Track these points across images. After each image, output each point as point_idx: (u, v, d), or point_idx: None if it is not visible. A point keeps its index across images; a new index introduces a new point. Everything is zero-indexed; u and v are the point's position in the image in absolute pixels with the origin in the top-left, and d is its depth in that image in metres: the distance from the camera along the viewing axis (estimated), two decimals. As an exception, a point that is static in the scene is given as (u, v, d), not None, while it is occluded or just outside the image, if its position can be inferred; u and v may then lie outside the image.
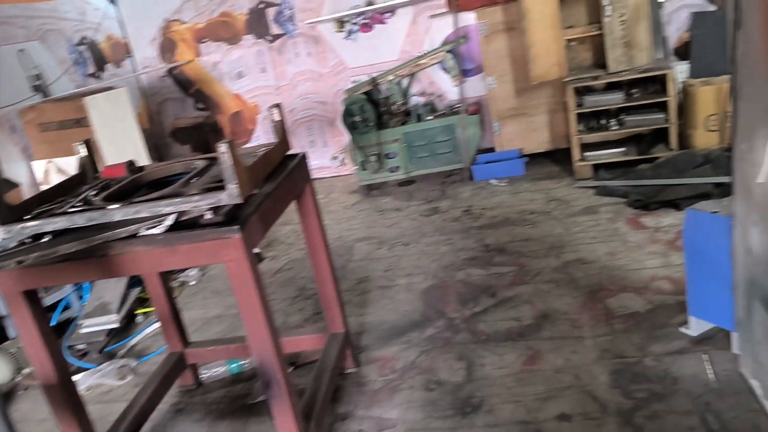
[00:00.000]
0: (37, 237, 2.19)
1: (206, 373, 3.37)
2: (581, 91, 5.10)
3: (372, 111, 5.64)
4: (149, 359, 3.75)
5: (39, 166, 4.96)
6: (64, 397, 2.35)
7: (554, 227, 4.41)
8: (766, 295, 2.22)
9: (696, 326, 2.86)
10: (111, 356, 3.84)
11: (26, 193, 4.87)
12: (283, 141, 2.71)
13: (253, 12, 6.37)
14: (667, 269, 3.50)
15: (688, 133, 5.05)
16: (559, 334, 3.16)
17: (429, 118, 5.79)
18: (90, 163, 2.69)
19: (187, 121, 6.87)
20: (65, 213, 2.19)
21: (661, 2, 5.26)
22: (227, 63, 6.62)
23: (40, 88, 5.31)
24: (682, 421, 2.41)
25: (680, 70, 5.38)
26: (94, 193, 2.40)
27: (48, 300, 4.16)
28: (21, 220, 2.19)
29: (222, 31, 6.51)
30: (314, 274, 3.07)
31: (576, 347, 3.01)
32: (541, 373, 2.88)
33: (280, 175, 2.51)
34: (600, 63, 5.18)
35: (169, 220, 2.07)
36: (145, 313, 4.30)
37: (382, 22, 6.13)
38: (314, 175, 6.70)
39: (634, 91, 5.04)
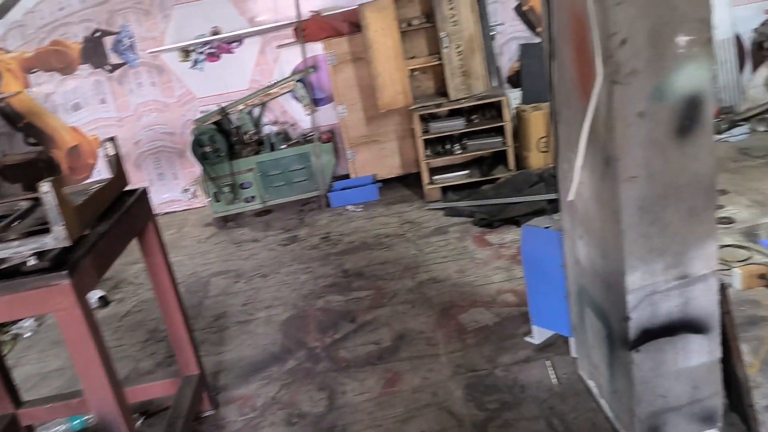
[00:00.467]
0: None
1: (44, 435, 3.05)
2: (426, 118, 5.34)
3: (223, 141, 5.51)
4: (-25, 426, 3.33)
5: None
6: None
7: (408, 249, 4.54)
8: (594, 302, 2.42)
9: (539, 335, 3.06)
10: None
11: None
12: (120, 176, 2.55)
13: (89, 40, 6.00)
14: (511, 282, 3.72)
15: (524, 154, 5.45)
16: (416, 353, 3.23)
17: (283, 146, 5.76)
18: None
19: (17, 158, 6.25)
20: None
21: (493, 35, 5.67)
22: (61, 94, 6.16)
23: None
24: (531, 426, 2.56)
25: (514, 97, 5.81)
26: None
27: None
28: None
29: (54, 61, 6.06)
30: (163, 316, 2.90)
31: (432, 365, 3.10)
32: (400, 394, 2.93)
33: (117, 213, 2.36)
34: (442, 91, 5.46)
35: (-15, 270, 1.86)
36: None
37: (229, 51, 6.03)
38: (164, 209, 6.54)
39: (473, 117, 5.37)
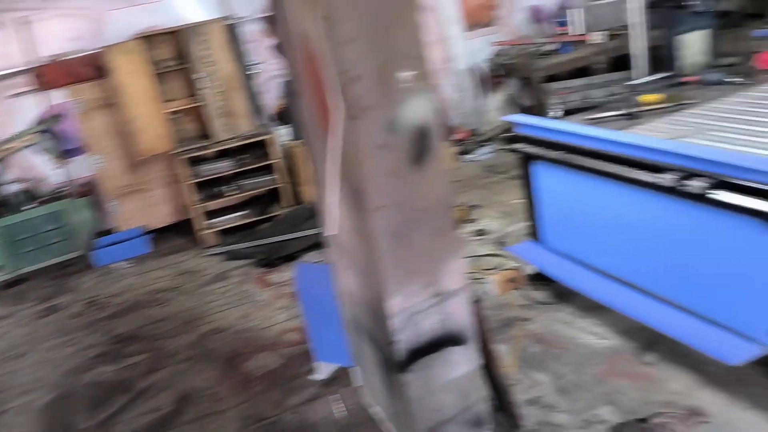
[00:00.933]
0: None
1: None
2: (194, 161, 5.13)
3: (-49, 208, 4.73)
4: None
5: None
6: None
7: (186, 301, 4.28)
8: (367, 330, 2.47)
9: (324, 370, 3.05)
10: None
11: None
12: None
13: None
14: (294, 321, 3.68)
15: (298, 189, 5.50)
16: (201, 413, 3.03)
17: (31, 206, 5.12)
18: None
19: None
20: None
21: (253, 73, 5.67)
22: None
23: None
24: (323, 465, 2.52)
25: (283, 134, 5.85)
26: None
27: None
28: None
29: None
30: None
31: (219, 422, 2.92)
32: (185, 462, 2.71)
33: None
34: (206, 133, 5.30)
35: None
36: None
37: (-50, 104, 5.23)
38: None
39: (243, 156, 5.29)
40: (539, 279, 3.53)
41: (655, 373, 2.69)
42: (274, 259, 4.53)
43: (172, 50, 5.20)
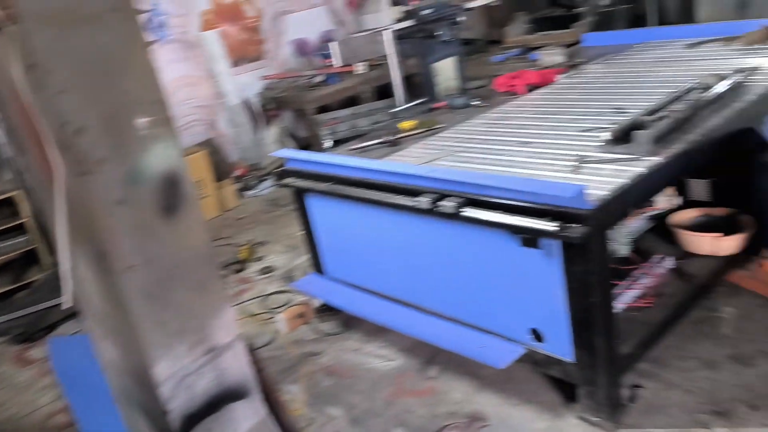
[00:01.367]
0: None
1: None
2: None
3: None
4: None
5: None
6: None
7: None
8: (140, 402, 2.23)
9: (99, 451, 2.70)
10: None
11: None
12: None
13: None
14: (61, 400, 3.24)
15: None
16: None
17: None
18: None
19: None
20: None
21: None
22: None
23: None
24: None
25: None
26: None
27: None
28: None
29: None
30: None
31: None
32: None
33: None
34: (-66, 196, 4.52)
35: None
36: None
37: None
38: None
39: (-15, 218, 4.60)
40: (327, 310, 3.53)
41: (438, 386, 2.81)
42: (34, 332, 3.97)
43: None
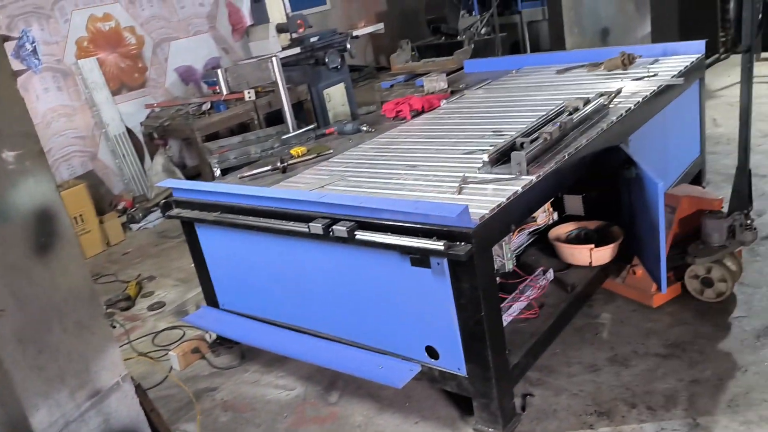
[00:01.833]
0: None
1: None
2: None
3: None
4: None
5: None
6: None
7: None
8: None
9: None
10: None
11: None
12: None
13: None
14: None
15: None
16: None
17: None
18: None
19: None
20: None
21: None
22: None
23: None
24: None
25: None
26: None
27: None
28: None
29: None
30: None
31: None
32: None
33: None
34: None
35: None
36: None
37: None
38: None
39: None
40: (223, 343, 3.43)
41: (340, 410, 2.80)
42: None
43: None
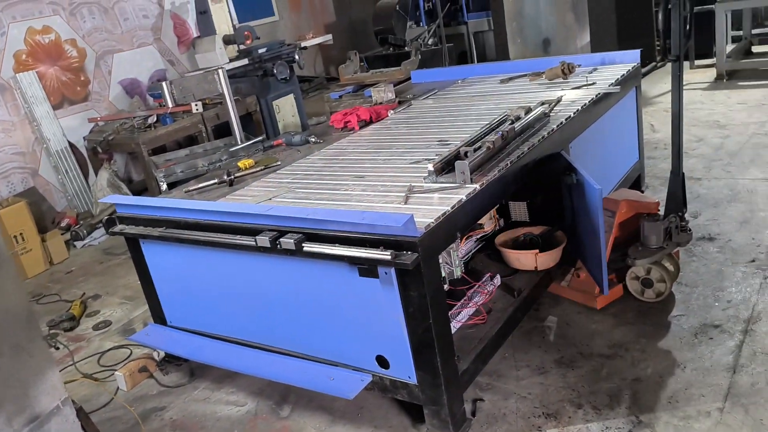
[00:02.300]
0: None
1: None
2: None
3: None
4: None
5: None
6: None
7: None
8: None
9: None
10: None
11: None
12: None
13: None
14: None
15: None
16: None
17: None
18: None
19: None
20: None
21: None
22: None
23: None
24: None
25: None
26: None
27: None
28: None
29: None
30: None
31: None
32: None
33: None
34: None
35: None
36: None
37: None
38: None
39: None
40: (172, 360, 3.37)
41: (292, 424, 2.78)
42: None
43: None
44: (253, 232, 2.57)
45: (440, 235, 2.38)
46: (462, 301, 2.94)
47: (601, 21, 6.61)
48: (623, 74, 3.94)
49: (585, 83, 3.85)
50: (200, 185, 3.33)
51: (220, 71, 4.78)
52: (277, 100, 7.18)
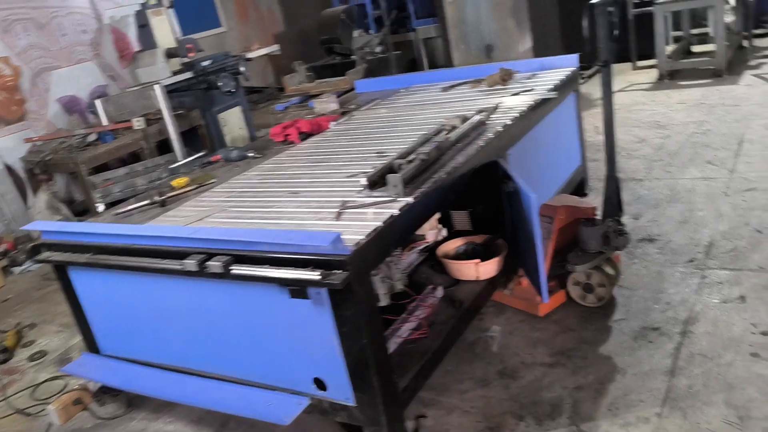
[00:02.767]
0: None
1: None
2: None
3: None
4: None
5: None
6: None
7: None
8: None
9: None
10: None
11: None
12: None
13: None
14: None
15: None
16: None
17: None
18: None
19: None
20: None
21: None
22: None
23: None
24: None
25: None
26: None
27: None
28: None
29: None
30: None
31: None
32: None
33: None
34: None
35: None
36: None
37: None
38: None
39: None
40: (108, 390, 3.22)
41: (230, 453, 2.69)
42: None
43: None
44: (182, 255, 2.47)
45: (372, 251, 2.32)
46: (403, 315, 2.89)
47: (543, 26, 6.68)
48: (561, 79, 3.96)
49: (523, 89, 3.85)
50: (129, 207, 3.21)
51: (157, 86, 4.67)
52: (223, 113, 7.06)
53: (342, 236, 2.20)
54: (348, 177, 2.99)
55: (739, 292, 3.02)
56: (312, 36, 10.91)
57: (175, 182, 3.46)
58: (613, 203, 3.02)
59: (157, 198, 3.19)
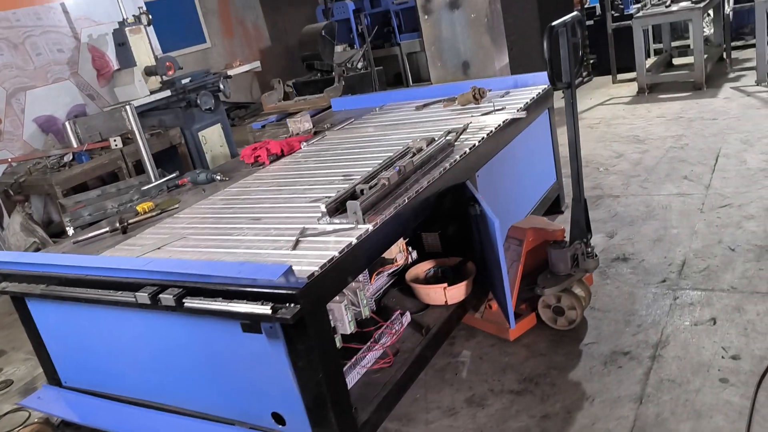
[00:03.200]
0: None
1: None
2: None
3: None
4: None
5: None
6: None
7: None
8: None
9: None
10: None
11: None
12: None
13: None
14: None
15: None
16: None
17: None
18: None
19: None
20: None
21: None
22: None
23: None
24: None
25: None
26: None
27: None
28: None
29: None
30: None
31: None
32: None
33: None
34: None
35: None
36: None
37: None
38: None
39: None
40: (71, 423, 3.14)
41: (189, 490, 2.60)
42: None
43: None
44: (136, 287, 2.40)
45: (328, 282, 2.26)
46: (368, 344, 2.82)
47: (520, 42, 6.67)
48: (533, 97, 3.93)
49: (494, 108, 3.81)
50: (88, 235, 3.14)
51: (128, 107, 4.59)
52: (204, 130, 7.01)
53: (295, 267, 2.15)
54: (311, 202, 2.94)
55: (710, 314, 2.97)
56: (297, 52, 10.93)
57: (140, 207, 3.39)
58: (581, 226, 2.97)
59: (117, 225, 3.12)
